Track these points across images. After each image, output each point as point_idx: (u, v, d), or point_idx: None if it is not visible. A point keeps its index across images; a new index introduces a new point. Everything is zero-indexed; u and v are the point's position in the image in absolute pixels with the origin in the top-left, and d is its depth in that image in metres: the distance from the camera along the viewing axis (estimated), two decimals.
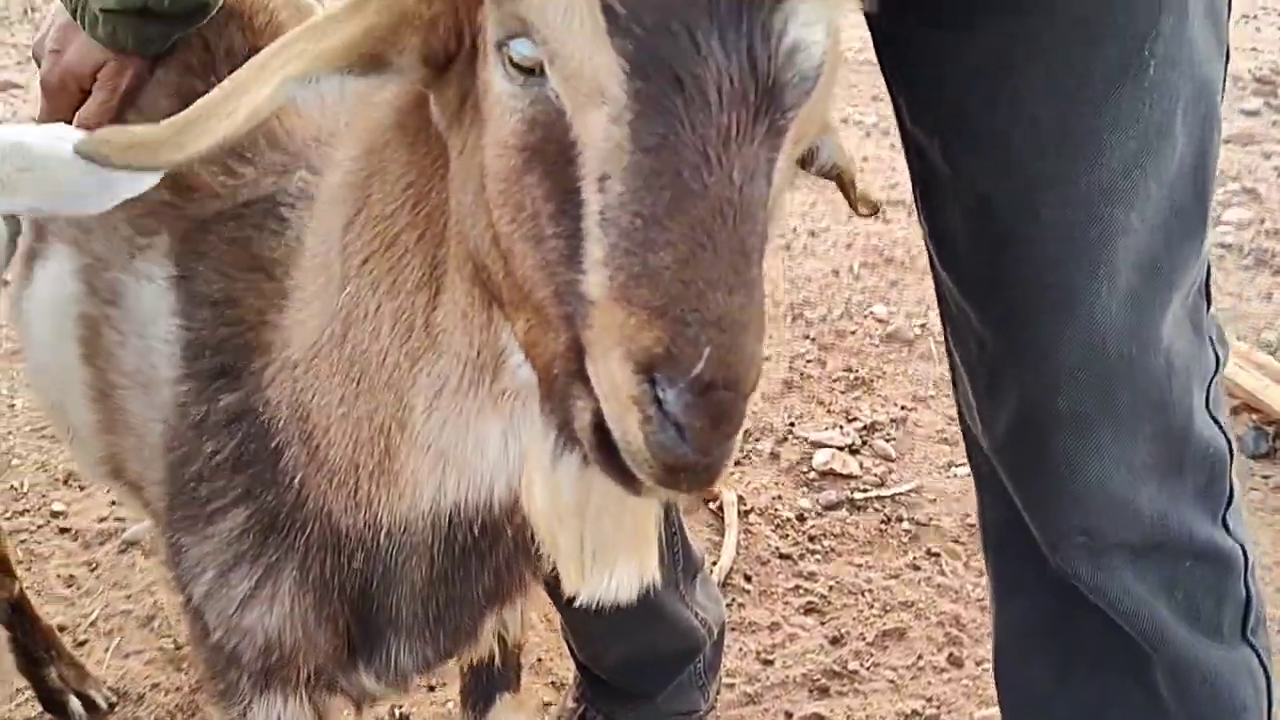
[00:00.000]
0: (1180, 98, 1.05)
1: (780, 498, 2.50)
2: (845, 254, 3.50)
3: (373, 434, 0.97)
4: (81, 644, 2.12)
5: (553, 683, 2.05)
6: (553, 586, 1.13)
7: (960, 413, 1.32)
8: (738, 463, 2.67)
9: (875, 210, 1.17)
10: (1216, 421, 1.19)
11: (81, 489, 2.59)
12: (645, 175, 0.67)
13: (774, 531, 2.41)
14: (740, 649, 2.11)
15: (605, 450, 0.72)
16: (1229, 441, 1.20)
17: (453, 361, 0.92)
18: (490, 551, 1.07)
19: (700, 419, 0.66)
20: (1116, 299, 1.07)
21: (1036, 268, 1.09)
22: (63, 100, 1.24)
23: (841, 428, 2.74)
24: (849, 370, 2.97)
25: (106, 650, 2.12)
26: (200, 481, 1.04)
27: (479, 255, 0.83)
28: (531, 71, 0.72)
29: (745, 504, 2.48)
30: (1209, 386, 1.17)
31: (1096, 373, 1.10)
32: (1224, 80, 1.13)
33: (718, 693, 1.99)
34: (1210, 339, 1.18)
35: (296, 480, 1.01)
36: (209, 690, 1.20)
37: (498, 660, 1.41)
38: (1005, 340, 1.15)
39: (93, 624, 2.19)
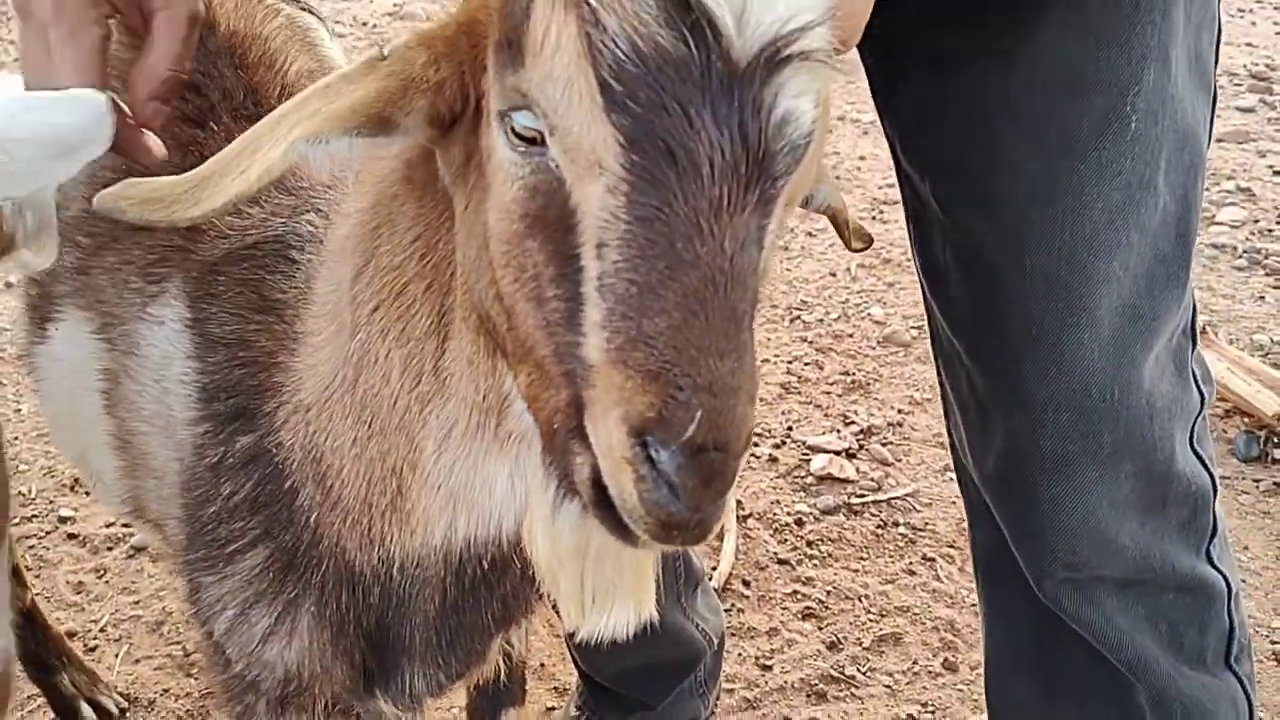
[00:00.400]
0: (1164, 150, 1.07)
1: (778, 502, 2.53)
2: (842, 255, 3.51)
3: (385, 474, 1.00)
4: (91, 650, 2.15)
5: (555, 688, 2.08)
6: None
7: (951, 442, 1.35)
8: (764, 401, 2.71)
9: (869, 244, 1.20)
10: (1200, 457, 1.21)
11: (88, 494, 2.61)
12: (640, 244, 0.69)
13: (772, 536, 2.44)
14: (739, 654, 2.14)
15: (603, 505, 0.74)
16: (1212, 477, 1.23)
17: (460, 405, 0.95)
18: (499, 582, 1.10)
19: (692, 479, 0.68)
20: (1099, 344, 1.10)
21: (1021, 311, 1.11)
22: (81, 33, 0.93)
23: (839, 431, 2.77)
24: (846, 374, 3.00)
25: (116, 656, 2.15)
26: (219, 523, 1.07)
27: (483, 307, 0.85)
28: (533, 141, 0.74)
29: (744, 508, 2.52)
30: (1193, 424, 1.20)
31: (1079, 415, 1.13)
32: (1211, 123, 1.16)
33: (717, 699, 2.03)
34: (1194, 378, 1.20)
35: (312, 520, 1.04)
36: (227, 711, 1.24)
37: (503, 676, 1.44)
38: (992, 380, 1.17)
39: (102, 630, 2.22)
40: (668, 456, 0.67)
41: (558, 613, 1.40)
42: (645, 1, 0.67)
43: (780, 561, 2.37)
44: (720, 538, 2.40)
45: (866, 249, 1.21)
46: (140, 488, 1.27)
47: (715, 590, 2.17)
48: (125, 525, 2.50)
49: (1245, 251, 3.66)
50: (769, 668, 2.12)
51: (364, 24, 5.20)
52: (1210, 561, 1.24)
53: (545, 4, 0.70)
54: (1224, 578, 1.26)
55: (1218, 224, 3.87)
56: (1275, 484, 2.61)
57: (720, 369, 0.68)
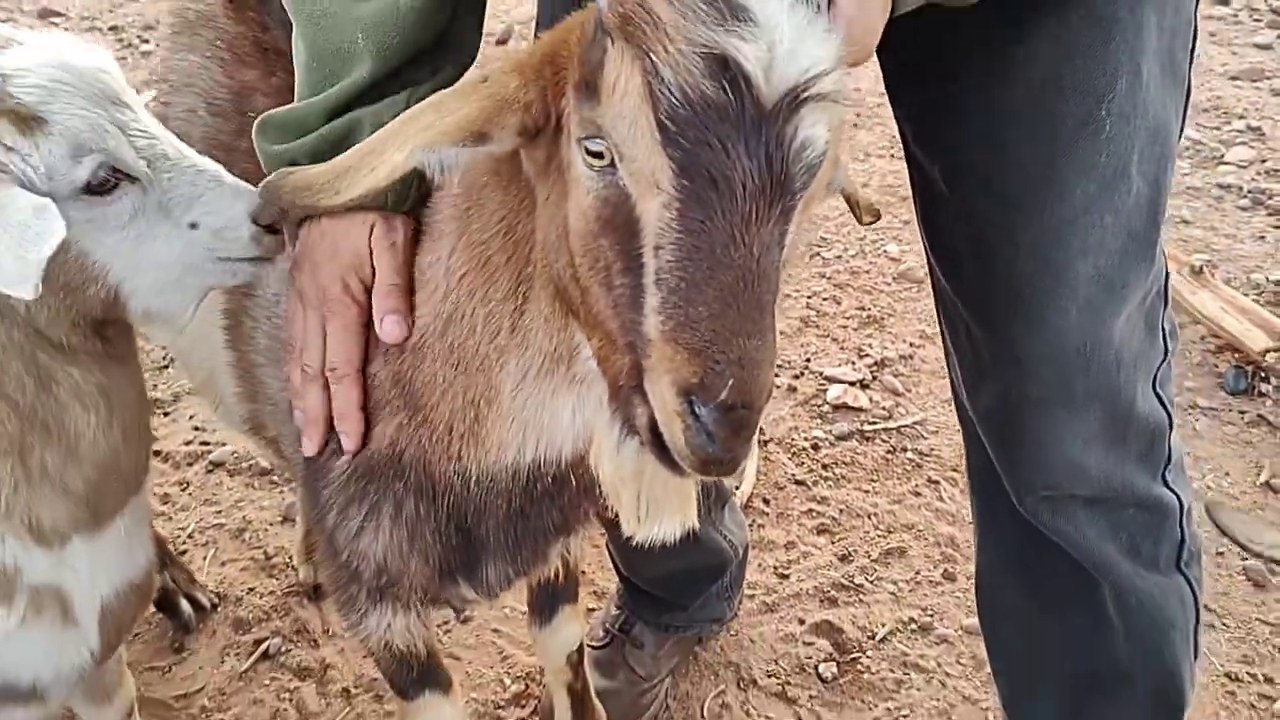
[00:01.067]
0: (1135, 146, 1.24)
1: (796, 428, 2.75)
2: (860, 192, 3.68)
3: (465, 405, 1.20)
4: (181, 554, 2.40)
5: (594, 592, 2.33)
6: (604, 517, 1.38)
7: (951, 380, 1.56)
8: (784, 333, 2.93)
9: (877, 217, 1.39)
10: (1160, 398, 1.41)
11: (167, 415, 2.86)
12: (688, 249, 0.88)
13: (790, 459, 2.67)
14: (760, 564, 2.39)
15: (657, 445, 0.94)
16: (1169, 414, 1.43)
17: (535, 354, 1.15)
18: (559, 494, 1.31)
19: (725, 430, 0.87)
20: (1076, 308, 1.29)
21: (1014, 280, 1.30)
22: (347, 308, 1.21)
23: (853, 363, 2.98)
24: (862, 308, 3.19)
25: (204, 559, 2.41)
26: (331, 448, 1.30)
27: (560, 281, 1.05)
28: (604, 159, 0.93)
29: (765, 434, 2.74)
30: (1156, 371, 1.40)
31: (1058, 367, 1.32)
32: (1184, 112, 1.33)
33: (740, 602, 2.27)
34: (1163, 333, 1.39)
35: (396, 437, 1.25)
36: (335, 601, 1.48)
37: (561, 577, 1.69)
38: (987, 335, 1.37)
39: (190, 536, 2.48)
40: (707, 412, 0.87)
41: (610, 526, 1.64)
42: (694, 58, 0.85)
43: (797, 482, 2.60)
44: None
45: (875, 222, 1.40)
46: (259, 410, 1.49)
47: (740, 507, 2.40)
48: (203, 444, 2.75)
49: (1250, 191, 3.80)
50: (786, 576, 2.36)
51: None
52: (1166, 484, 1.45)
53: (616, 57, 0.89)
54: (1177, 497, 1.46)
55: (1225, 163, 3.99)
56: (1259, 415, 2.81)
57: (748, 347, 0.88)
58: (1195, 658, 1.56)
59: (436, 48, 1.26)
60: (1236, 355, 2.92)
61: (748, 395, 0.87)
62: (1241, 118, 4.28)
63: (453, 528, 1.33)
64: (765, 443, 2.71)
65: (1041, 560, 1.53)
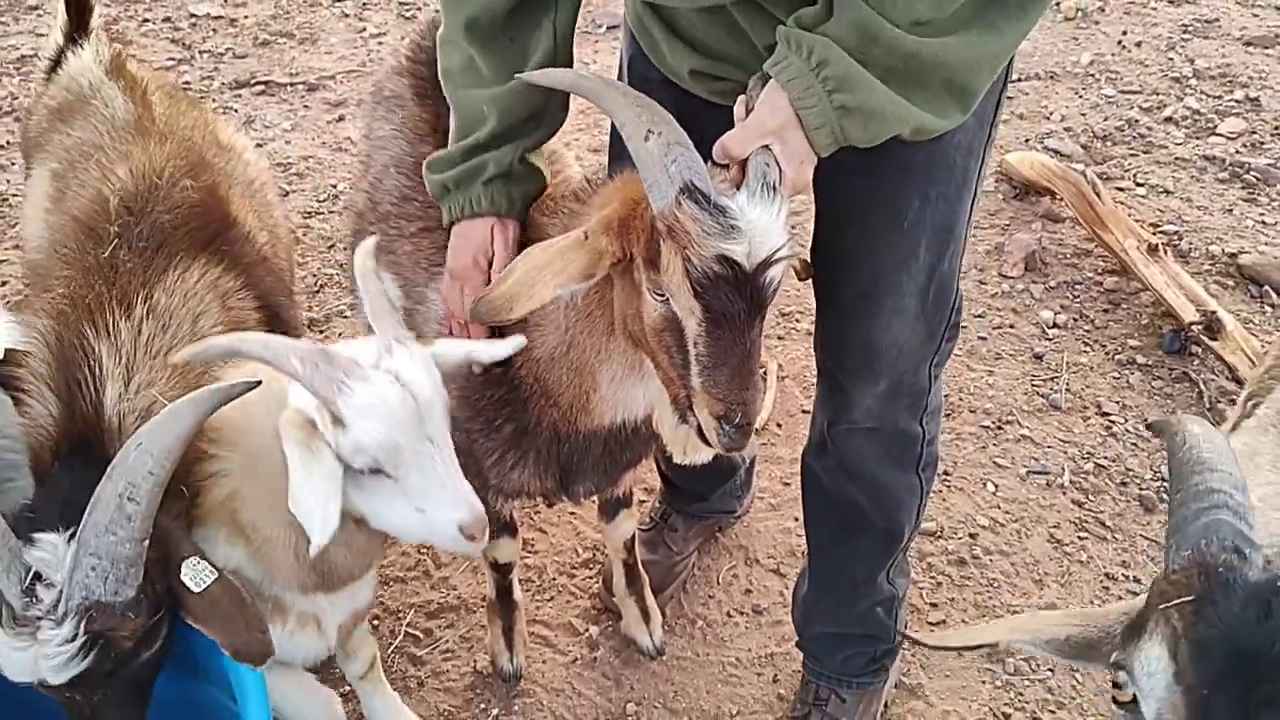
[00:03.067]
0: (923, 237, 1.88)
1: (808, 367, 3.48)
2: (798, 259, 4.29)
3: (578, 392, 1.93)
4: None
5: (645, 489, 3.15)
6: (660, 450, 2.12)
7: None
8: (780, 338, 3.66)
9: (810, 274, 2.08)
10: (931, 375, 2.10)
11: (321, 332, 3.67)
12: (712, 347, 1.60)
13: (801, 392, 3.42)
14: (769, 475, 3.17)
15: (702, 436, 1.69)
16: (931, 382, 2.11)
17: (619, 363, 1.87)
18: (630, 440, 2.08)
19: (740, 436, 1.63)
20: (884, 329, 1.96)
21: (849, 310, 2.00)
22: (476, 275, 1.90)
23: None
24: None
25: None
26: (486, 410, 2.06)
27: (632, 335, 1.76)
28: (663, 297, 1.63)
29: (784, 371, 3.49)
30: (933, 358, 2.07)
31: (866, 358, 2.03)
32: (971, 208, 1.94)
33: (751, 502, 3.06)
34: (940, 338, 2.04)
35: (534, 412, 2.01)
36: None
37: (624, 493, 2.50)
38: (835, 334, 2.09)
39: None
40: (729, 429, 1.62)
41: (661, 452, 2.42)
42: (710, 255, 1.55)
43: (805, 411, 3.35)
44: (764, 392, 3.39)
45: (808, 278, 2.09)
46: None
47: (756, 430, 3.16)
48: None
49: (1231, 164, 4.32)
50: (789, 484, 3.14)
51: None
52: (921, 423, 2.17)
53: (666, 250, 1.59)
54: (923, 430, 2.18)
55: (1217, 135, 4.49)
56: (1184, 373, 3.48)
57: (749, 394, 1.62)
58: (916, 525, 2.34)
59: (535, 116, 1.94)
60: (1173, 321, 3.58)
61: (749, 420, 1.63)
62: (1244, 87, 4.73)
63: (560, 463, 2.13)
64: (782, 378, 3.46)
65: (830, 487, 2.30)
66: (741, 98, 1.62)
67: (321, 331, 3.62)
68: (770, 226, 1.57)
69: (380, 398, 1.63)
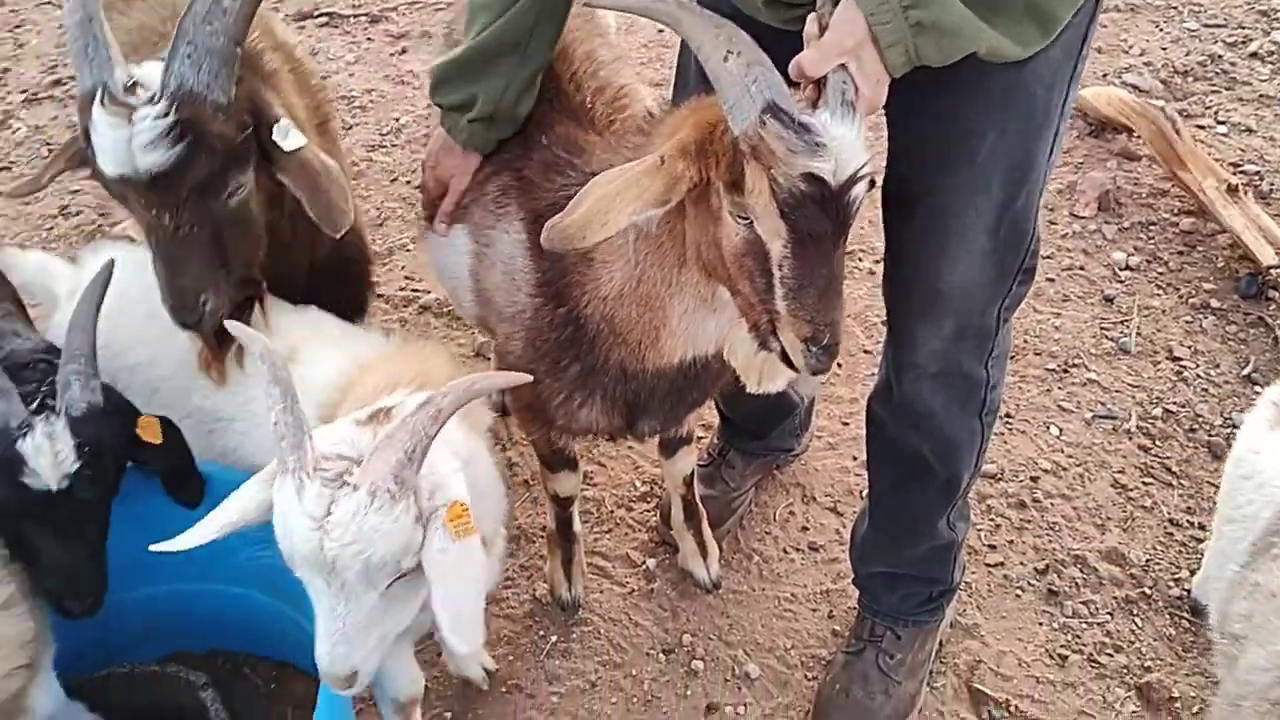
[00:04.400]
0: (997, 172, 1.84)
1: (870, 306, 3.45)
2: None
3: (647, 328, 1.92)
4: None
5: (704, 425, 3.15)
6: (728, 385, 2.11)
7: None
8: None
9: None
10: (999, 317, 2.06)
11: (384, 265, 3.70)
12: (798, 269, 1.57)
13: (863, 333, 3.39)
14: (829, 414, 3.16)
15: (786, 360, 1.67)
16: (999, 325, 2.07)
17: (692, 296, 1.84)
18: (699, 377, 2.07)
19: (826, 358, 1.61)
20: (953, 261, 1.93)
21: (924, 236, 1.96)
22: (435, 194, 2.18)
23: None
24: None
25: None
26: (552, 350, 2.05)
27: (708, 265, 1.73)
28: (745, 220, 1.61)
29: (846, 311, 3.46)
30: (1003, 300, 2.03)
31: (936, 296, 2.00)
32: (1054, 142, 1.89)
33: (810, 440, 3.06)
34: (1013, 280, 2.00)
35: (601, 350, 2.00)
36: (531, 430, 2.31)
37: (684, 431, 2.50)
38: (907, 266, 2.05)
39: None
40: (816, 349, 1.61)
41: (725, 395, 2.41)
42: (794, 174, 1.52)
43: (865, 351, 3.33)
44: None
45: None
46: (489, 317, 2.29)
47: None
48: (414, 291, 3.59)
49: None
50: (847, 424, 3.13)
51: None
52: (986, 368, 2.13)
53: (751, 171, 1.55)
54: (988, 375, 2.14)
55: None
56: (1259, 318, 3.39)
57: (834, 314, 1.60)
58: (976, 471, 2.33)
59: (518, 45, 2.04)
60: (1252, 265, 3.48)
61: (835, 339, 1.62)
62: None
63: (626, 401, 2.13)
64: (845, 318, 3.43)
65: (894, 427, 2.29)
66: (812, 16, 1.59)
67: (385, 264, 3.66)
68: (854, 143, 1.56)
69: (291, 517, 1.51)
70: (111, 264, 1.97)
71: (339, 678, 1.55)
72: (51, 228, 3.75)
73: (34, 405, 1.79)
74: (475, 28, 2.05)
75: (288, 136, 1.87)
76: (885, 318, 2.21)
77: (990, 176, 1.86)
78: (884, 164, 1.99)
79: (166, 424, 1.97)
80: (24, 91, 4.33)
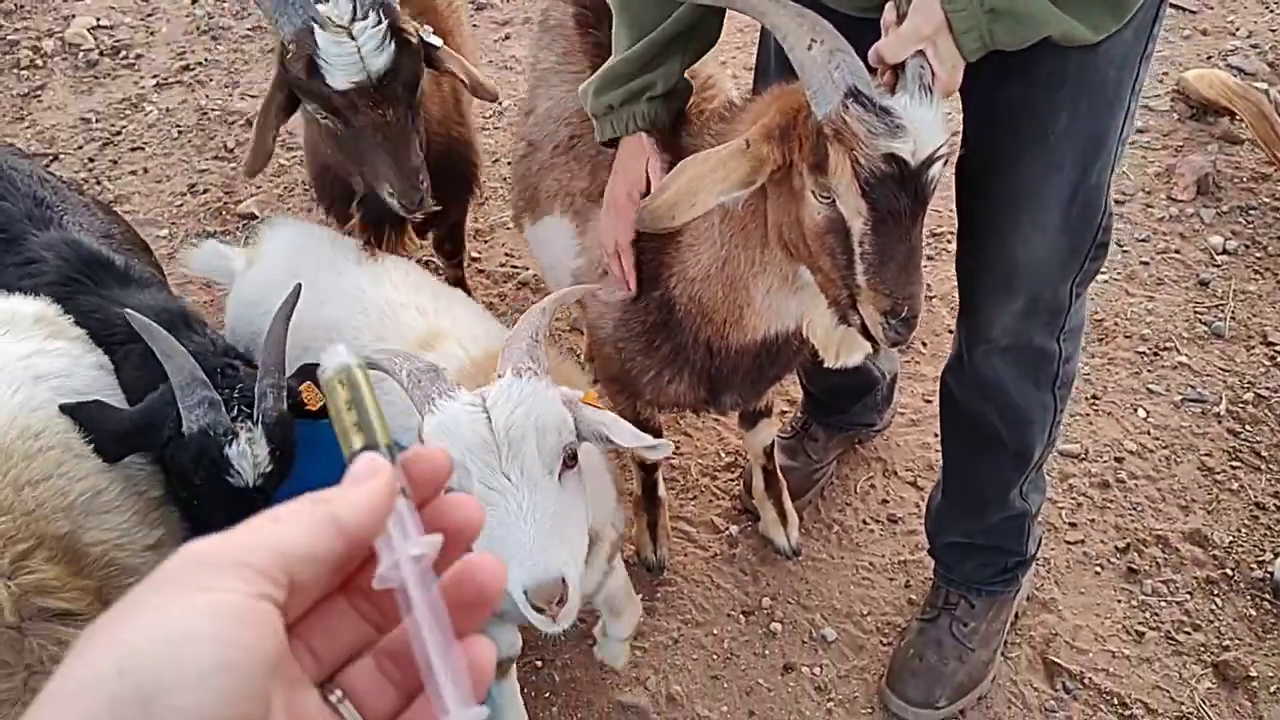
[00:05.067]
0: (1069, 150, 1.88)
1: (955, 287, 3.46)
2: None
3: (732, 307, 2.01)
4: None
5: (788, 399, 3.24)
6: (806, 360, 2.21)
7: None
8: (930, 258, 3.65)
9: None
10: (1073, 293, 2.08)
11: (485, 241, 3.88)
12: (879, 245, 1.66)
13: (948, 313, 3.43)
14: (911, 391, 3.22)
15: (865, 333, 1.77)
16: (1071, 301, 2.09)
17: (773, 276, 1.94)
18: (779, 353, 2.16)
19: (905, 330, 1.70)
20: (1027, 237, 1.98)
21: (999, 213, 2.01)
22: (629, 209, 2.03)
23: None
24: None
25: None
26: (644, 332, 2.16)
27: (790, 244, 1.82)
28: (828, 199, 1.70)
29: (931, 291, 3.50)
30: (1075, 276, 2.05)
31: (1010, 272, 2.04)
32: (1124, 122, 1.91)
33: (892, 416, 3.12)
34: (1085, 257, 2.03)
35: (689, 328, 2.10)
36: (619, 400, 2.45)
37: (764, 404, 2.60)
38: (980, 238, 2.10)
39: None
40: (897, 323, 1.70)
41: (807, 369, 2.50)
42: (878, 155, 1.62)
43: (950, 331, 3.36)
44: None
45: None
46: (583, 297, 2.41)
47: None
48: (514, 266, 3.75)
49: None
50: (930, 402, 3.18)
51: None
52: (1058, 341, 2.16)
53: (835, 153, 1.64)
54: (1060, 348, 2.17)
55: None
56: None
57: (914, 288, 1.69)
58: (1049, 444, 2.36)
59: (694, 27, 2.01)
60: None
61: (915, 312, 1.72)
62: None
63: (710, 376, 2.23)
64: (930, 297, 3.47)
65: (976, 381, 2.31)
66: (890, 4, 1.67)
67: (486, 241, 3.83)
68: (932, 125, 1.64)
69: (454, 419, 1.58)
70: (299, 288, 2.21)
71: (549, 587, 1.46)
72: (181, 204, 4.02)
73: (234, 414, 2.02)
74: (636, 29, 2.02)
75: (433, 36, 2.29)
76: (958, 294, 2.28)
77: (1063, 155, 1.91)
78: (959, 142, 2.06)
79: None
80: (155, 76, 4.62)
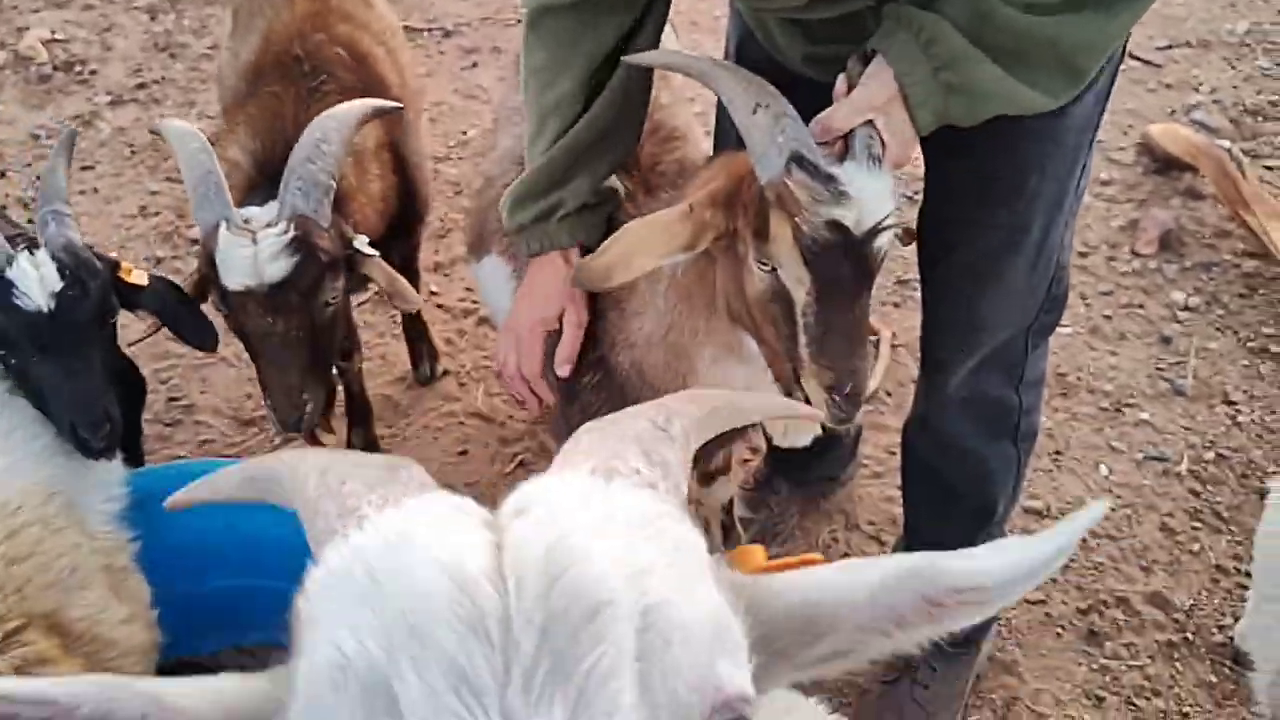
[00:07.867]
0: (1037, 211, 1.85)
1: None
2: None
3: (675, 375, 1.95)
4: (462, 385, 3.39)
5: (751, 448, 3.18)
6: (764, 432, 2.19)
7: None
8: (896, 305, 3.63)
9: (912, 239, 2.02)
10: (1028, 343, 2.06)
11: (446, 275, 3.79)
12: (822, 316, 1.63)
13: (913, 362, 3.39)
14: (875, 443, 3.17)
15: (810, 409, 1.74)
16: (1028, 351, 2.08)
17: (718, 345, 1.89)
18: None
19: (850, 406, 1.66)
20: (989, 298, 1.97)
21: (958, 275, 1.99)
22: (535, 345, 2.00)
23: None
24: None
25: (477, 391, 3.38)
26: (583, 394, 2.09)
27: (735, 313, 1.78)
28: (769, 268, 1.67)
29: (897, 339, 3.47)
30: (1030, 325, 2.03)
31: (970, 331, 2.03)
32: (1079, 180, 1.90)
33: (855, 468, 3.08)
34: (1042, 304, 2.01)
35: (631, 396, 2.01)
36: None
37: (721, 464, 2.54)
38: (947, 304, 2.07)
39: (467, 373, 3.44)
40: (840, 399, 1.66)
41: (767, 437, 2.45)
42: (820, 222, 1.59)
43: (914, 380, 3.33)
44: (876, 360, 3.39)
45: (911, 243, 2.06)
46: None
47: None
48: (473, 302, 3.67)
49: None
50: (894, 453, 3.11)
51: None
52: (1017, 392, 2.14)
53: (775, 218, 1.61)
54: (1019, 399, 2.14)
55: None
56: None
57: (858, 363, 1.66)
58: (1014, 499, 2.34)
59: (606, 135, 1.91)
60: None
61: (859, 388, 1.67)
62: None
63: None
64: (895, 347, 3.45)
65: (936, 458, 2.31)
66: (842, 76, 1.64)
67: (446, 275, 3.75)
68: (879, 194, 1.60)
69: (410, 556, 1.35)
70: (74, 133, 2.29)
71: None
72: (131, 227, 3.90)
73: (18, 247, 1.99)
74: (547, 136, 1.91)
75: (365, 245, 2.28)
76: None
77: (1032, 217, 1.89)
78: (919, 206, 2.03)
79: (155, 277, 2.19)
80: (110, 94, 4.50)
